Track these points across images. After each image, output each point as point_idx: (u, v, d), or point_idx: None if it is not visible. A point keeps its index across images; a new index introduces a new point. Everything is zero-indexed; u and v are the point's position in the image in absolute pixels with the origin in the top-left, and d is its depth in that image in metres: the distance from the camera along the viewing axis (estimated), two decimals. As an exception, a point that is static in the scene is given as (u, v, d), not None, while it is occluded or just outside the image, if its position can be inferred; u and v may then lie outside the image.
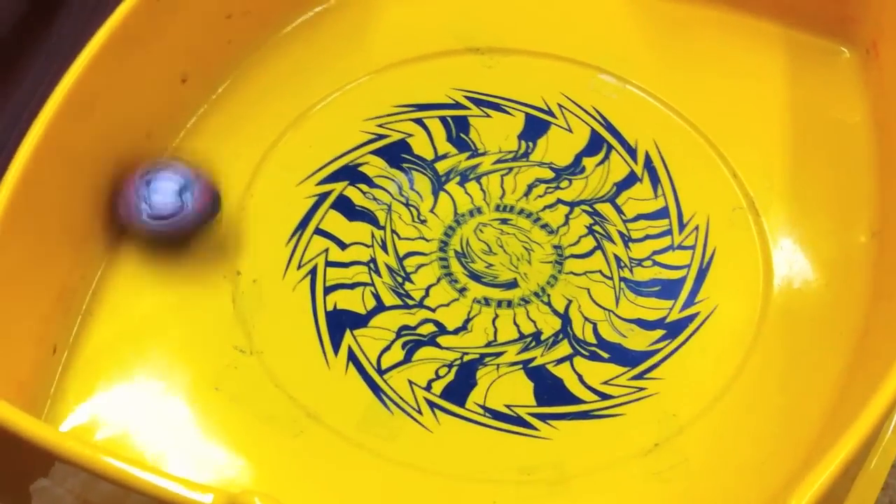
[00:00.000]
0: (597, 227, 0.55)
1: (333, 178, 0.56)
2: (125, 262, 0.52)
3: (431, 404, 0.49)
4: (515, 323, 0.51)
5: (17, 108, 0.65)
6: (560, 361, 0.50)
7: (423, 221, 0.55)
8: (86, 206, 0.51)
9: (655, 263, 0.53)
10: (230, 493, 0.37)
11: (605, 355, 0.50)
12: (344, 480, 0.47)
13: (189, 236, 0.51)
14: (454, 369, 0.50)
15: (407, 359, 0.50)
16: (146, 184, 0.50)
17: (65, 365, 0.49)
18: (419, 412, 0.48)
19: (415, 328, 0.51)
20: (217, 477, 0.46)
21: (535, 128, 0.59)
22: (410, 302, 0.52)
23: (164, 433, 0.47)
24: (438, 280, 0.53)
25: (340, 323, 0.51)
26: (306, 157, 0.57)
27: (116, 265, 0.52)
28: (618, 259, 0.53)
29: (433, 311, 0.52)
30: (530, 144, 0.58)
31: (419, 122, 0.59)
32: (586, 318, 0.51)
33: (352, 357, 0.50)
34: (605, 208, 0.55)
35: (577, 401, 0.49)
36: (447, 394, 0.49)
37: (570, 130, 0.59)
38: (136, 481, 0.37)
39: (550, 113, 0.59)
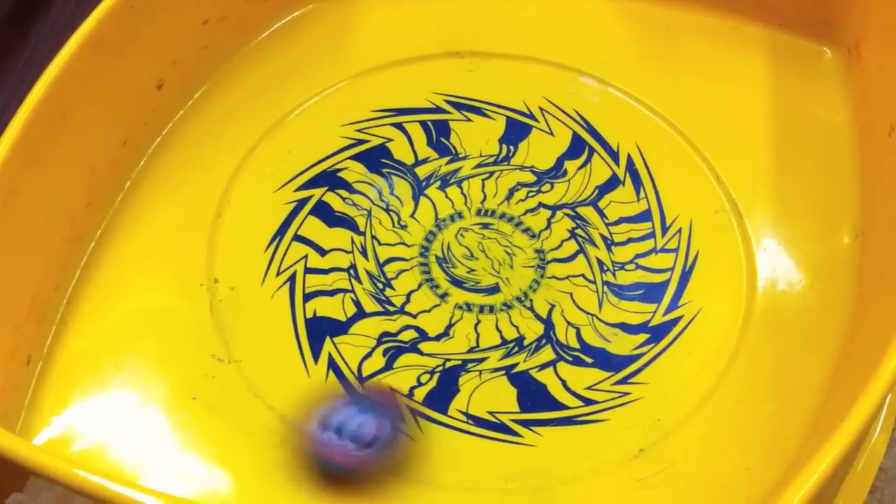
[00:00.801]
0: (579, 231, 0.54)
1: (312, 183, 0.56)
2: (100, 272, 0.52)
3: (413, 412, 0.48)
4: (498, 328, 0.51)
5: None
6: (543, 367, 0.49)
7: (404, 227, 0.54)
8: (59, 214, 0.51)
9: (638, 267, 0.53)
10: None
11: (589, 360, 0.50)
12: (325, 491, 0.46)
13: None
14: (436, 376, 0.49)
15: (388, 366, 0.49)
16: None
17: (39, 376, 0.48)
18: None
19: (396, 335, 0.50)
20: (195, 489, 0.45)
21: (516, 131, 0.58)
22: (391, 308, 0.51)
23: (140, 444, 0.46)
24: (419, 286, 0.52)
25: (320, 330, 0.50)
26: (285, 163, 0.56)
27: (91, 274, 0.51)
28: (600, 263, 0.53)
29: (414, 317, 0.51)
30: (511, 148, 0.58)
31: (399, 126, 0.58)
32: (569, 323, 0.51)
33: (332, 365, 0.49)
34: (588, 212, 0.55)
35: (560, 406, 0.48)
36: (429, 401, 0.48)
37: (552, 134, 0.58)
38: (112, 495, 0.37)
39: (532, 116, 0.59)
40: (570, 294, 0.52)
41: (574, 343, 0.50)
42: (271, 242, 0.53)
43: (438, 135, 0.58)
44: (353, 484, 0.45)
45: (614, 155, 0.57)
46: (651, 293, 0.52)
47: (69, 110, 0.50)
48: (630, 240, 0.54)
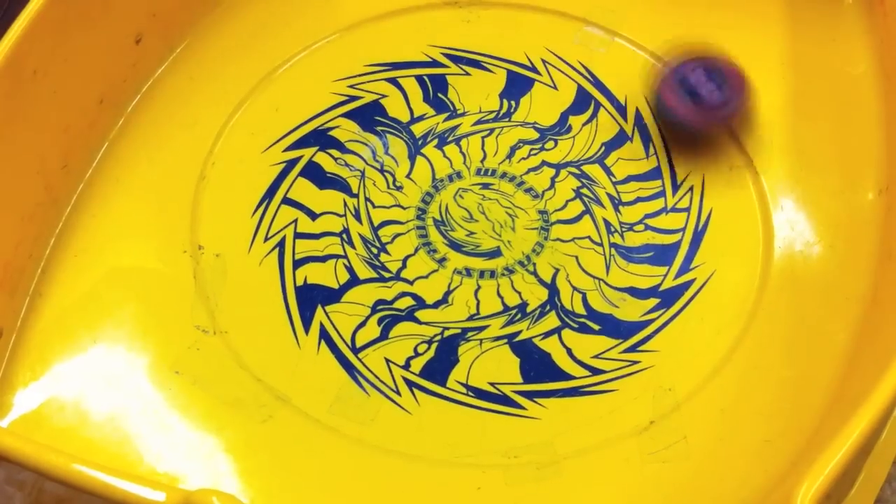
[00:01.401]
0: (585, 191, 0.53)
1: (302, 143, 0.54)
2: (76, 239, 0.50)
3: (410, 384, 0.46)
4: (499, 294, 0.49)
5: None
6: (547, 335, 0.48)
7: (399, 188, 0.53)
8: (32, 178, 0.48)
9: (648, 228, 0.51)
10: (185, 491, 0.34)
11: (596, 327, 0.48)
12: (317, 468, 0.44)
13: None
14: (434, 346, 0.48)
15: (383, 335, 0.48)
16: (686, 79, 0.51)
17: (12, 350, 0.46)
18: (397, 393, 0.46)
19: (391, 302, 0.49)
20: (178, 468, 0.43)
21: (517, 85, 0.57)
22: (386, 274, 0.50)
23: (120, 422, 0.44)
24: (416, 250, 0.51)
25: (311, 298, 0.49)
26: (272, 122, 0.55)
27: (67, 242, 0.50)
28: (607, 224, 0.52)
29: (411, 283, 0.49)
30: (513, 103, 0.56)
31: (394, 81, 0.57)
32: (575, 288, 0.49)
33: (324, 335, 0.48)
34: (594, 170, 0.54)
35: (566, 376, 0.47)
36: (427, 372, 0.47)
37: (555, 87, 0.57)
38: (82, 478, 0.35)
39: (534, 69, 0.58)
40: (576, 257, 0.50)
41: (580, 309, 0.49)
42: (259, 206, 0.52)
43: (435, 90, 0.57)
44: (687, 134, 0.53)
45: (622, 109, 0.56)
46: (661, 255, 0.50)
47: (40, 66, 0.47)
48: (639, 199, 0.53)
